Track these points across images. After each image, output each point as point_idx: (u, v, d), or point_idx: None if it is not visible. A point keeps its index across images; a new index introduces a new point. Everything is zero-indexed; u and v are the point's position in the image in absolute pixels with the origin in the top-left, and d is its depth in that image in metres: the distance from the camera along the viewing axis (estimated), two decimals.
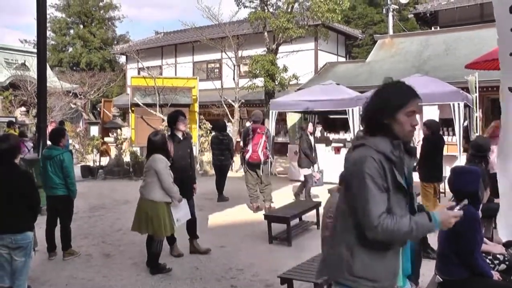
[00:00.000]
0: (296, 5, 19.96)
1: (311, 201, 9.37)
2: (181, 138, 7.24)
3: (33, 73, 26.53)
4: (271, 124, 15.67)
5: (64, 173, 7.04)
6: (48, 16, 9.93)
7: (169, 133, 7.58)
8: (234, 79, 21.29)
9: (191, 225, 7.48)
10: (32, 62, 28.25)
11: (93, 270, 6.78)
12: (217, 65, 30.10)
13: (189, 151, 7.42)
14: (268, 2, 20.29)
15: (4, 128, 17.85)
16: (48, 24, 27.49)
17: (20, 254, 4.72)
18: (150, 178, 6.55)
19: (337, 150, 14.63)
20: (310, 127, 12.12)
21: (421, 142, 8.55)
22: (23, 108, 24.42)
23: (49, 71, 21.18)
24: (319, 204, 9.00)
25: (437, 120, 9.89)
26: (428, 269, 5.52)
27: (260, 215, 9.45)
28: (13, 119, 20.83)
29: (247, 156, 10.55)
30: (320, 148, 15.17)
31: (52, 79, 27.36)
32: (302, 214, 8.70)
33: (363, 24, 39.10)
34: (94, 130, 22.54)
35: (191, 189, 7.39)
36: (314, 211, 8.98)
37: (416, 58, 21.95)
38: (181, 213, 6.83)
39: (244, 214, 10.56)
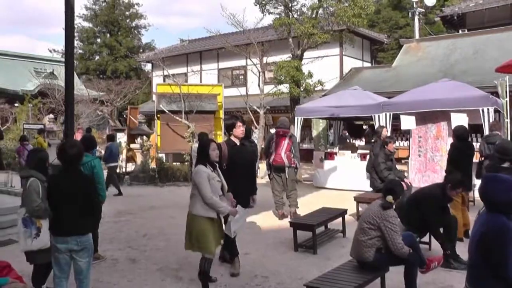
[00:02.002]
0: (320, 10, 19.88)
1: (336, 209, 9.24)
2: (238, 144, 6.85)
3: (61, 82, 26.94)
4: (296, 131, 15.57)
5: (95, 179, 7.08)
6: (75, 26, 10.09)
7: (225, 139, 7.43)
8: (259, 85, 21.27)
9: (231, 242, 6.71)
10: (60, 70, 28.74)
11: (119, 275, 6.80)
12: (242, 72, 30.15)
13: (249, 158, 6.98)
14: (293, 8, 20.24)
15: (34, 135, 18.13)
16: (75, 34, 27.90)
17: (84, 255, 4.90)
18: (193, 190, 5.90)
19: (363, 157, 14.48)
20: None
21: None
22: (51, 115, 24.80)
23: (76, 79, 21.46)
24: (345, 211, 8.89)
25: (466, 126, 9.68)
26: (458, 281, 5.41)
27: (285, 222, 9.38)
28: (42, 126, 21.19)
29: (271, 159, 10.42)
30: (346, 155, 15.06)
31: (79, 87, 27.76)
32: (327, 221, 8.59)
33: (388, 28, 38.59)
34: (120, 137, 22.80)
35: (246, 200, 6.80)
36: (340, 219, 8.86)
37: (443, 62, 21.66)
38: (238, 224, 6.16)
39: (269, 221, 10.48)
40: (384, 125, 13.09)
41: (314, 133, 17.16)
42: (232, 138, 6.87)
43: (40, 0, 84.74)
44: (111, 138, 15.85)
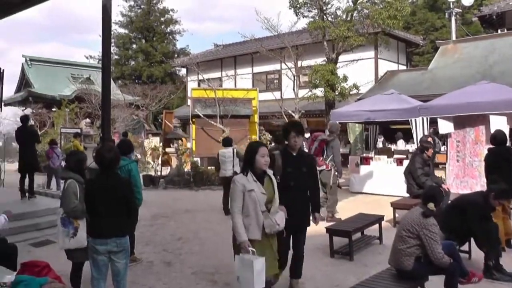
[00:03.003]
0: (355, 13, 19.76)
1: (373, 215, 9.11)
2: (294, 154, 5.89)
3: (97, 87, 27.46)
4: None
5: (132, 182, 7.14)
6: (112, 33, 10.28)
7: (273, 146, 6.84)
8: (293, 89, 21.23)
9: (296, 262, 6.14)
10: (96, 76, 29.32)
11: (154, 277, 6.85)
12: (277, 76, 30.14)
13: (306, 170, 5.90)
14: (327, 11, 20.16)
15: (70, 138, 18.47)
16: (112, 40, 28.26)
17: (123, 257, 4.99)
18: None
19: (399, 162, 14.26)
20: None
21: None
22: (88, 120, 25.26)
23: (112, 84, 21.79)
24: (382, 218, 8.77)
25: (506, 130, 9.47)
26: None
27: (321, 228, 9.26)
28: (79, 130, 21.59)
29: None
30: (382, 160, 14.88)
31: (115, 92, 28.15)
32: (364, 228, 8.47)
33: (423, 30, 37.97)
34: (156, 141, 23.02)
35: (303, 218, 5.92)
36: (377, 225, 8.74)
37: (481, 64, 21.17)
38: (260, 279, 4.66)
39: None
40: (423, 130, 12.93)
41: (351, 137, 17.02)
42: (289, 148, 5.92)
43: (77, 8, 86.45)
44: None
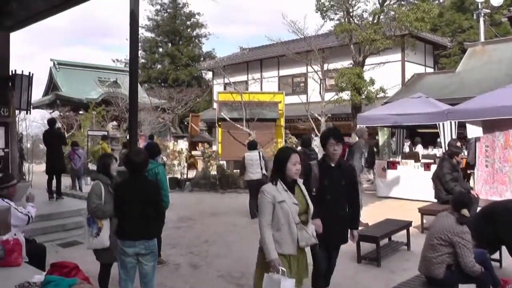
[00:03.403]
0: (382, 15, 19.63)
1: (401, 221, 8.98)
2: (332, 165, 5.35)
3: (124, 90, 27.72)
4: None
5: (159, 185, 7.18)
6: (139, 37, 10.40)
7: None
8: (320, 92, 21.17)
9: (326, 275, 5.67)
10: (123, 79, 29.57)
11: (181, 280, 6.89)
12: (303, 79, 30.06)
13: (345, 183, 5.36)
14: (353, 14, 20.07)
15: (98, 141, 18.69)
16: (139, 44, 28.67)
17: (150, 259, 5.03)
18: None
19: (427, 166, 14.08)
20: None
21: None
22: (114, 123, 25.52)
23: (139, 88, 21.99)
24: (409, 223, 8.66)
25: None
26: None
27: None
28: (106, 133, 21.84)
29: None
30: (409, 164, 14.72)
31: (142, 95, 28.34)
32: (392, 234, 8.37)
33: (450, 31, 37.21)
34: (182, 144, 23.16)
35: (339, 235, 5.44)
36: (404, 230, 8.63)
37: (511, 66, 20.81)
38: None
39: None
40: (451, 134, 12.75)
41: (380, 141, 16.88)
42: (327, 157, 5.38)
43: (103, 12, 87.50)
44: (126, 146, 16.27)
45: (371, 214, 11.30)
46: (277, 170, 4.45)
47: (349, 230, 5.51)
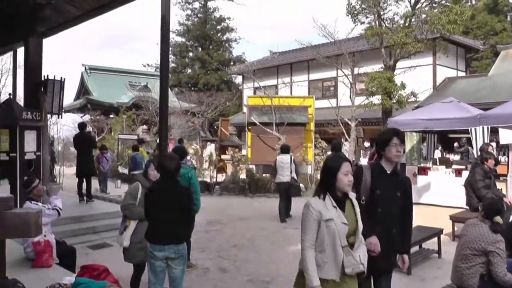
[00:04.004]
0: (413, 18, 19.44)
1: (432, 228, 8.84)
2: (388, 172, 4.49)
3: (154, 94, 27.97)
4: None
5: (192, 189, 7.23)
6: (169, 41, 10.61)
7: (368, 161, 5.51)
8: (350, 97, 21.05)
9: None
10: (153, 84, 29.87)
11: (210, 284, 6.90)
12: (333, 83, 29.95)
13: (400, 195, 4.48)
14: (384, 17, 19.92)
15: (128, 145, 18.94)
16: (169, 49, 28.90)
17: (180, 263, 5.04)
18: None
19: (458, 172, 13.86)
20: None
21: None
22: (144, 126, 25.77)
23: (169, 92, 22.20)
24: (441, 231, 8.52)
25: None
26: None
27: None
28: (136, 137, 22.10)
29: None
30: (440, 170, 14.53)
31: (172, 99, 28.59)
32: (422, 241, 8.23)
33: (482, 34, 36.54)
34: (211, 148, 23.23)
35: (389, 257, 4.47)
36: (435, 238, 8.49)
37: None
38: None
39: None
40: (483, 140, 12.53)
41: (408, 146, 16.70)
42: (383, 161, 4.51)
43: (133, 17, 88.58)
44: (136, 148, 17.03)
45: None
46: (325, 182, 3.79)
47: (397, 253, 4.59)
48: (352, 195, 3.87)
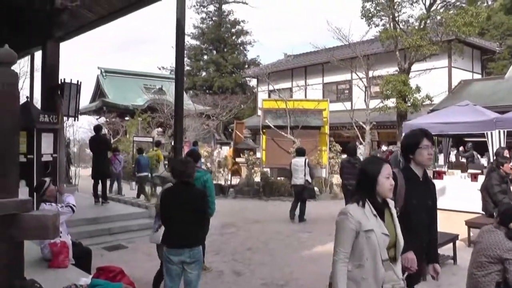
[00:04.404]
0: (428, 20, 19.36)
1: (447, 233, 8.78)
2: (420, 179, 4.11)
3: (169, 97, 28.13)
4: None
5: (207, 192, 7.26)
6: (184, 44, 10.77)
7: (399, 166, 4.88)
8: (365, 100, 20.99)
9: None
10: (168, 86, 29.97)
11: (224, 287, 6.93)
12: (347, 86, 29.89)
13: (431, 204, 4.23)
14: (399, 19, 19.86)
15: (154, 148, 19.11)
16: (184, 52, 28.97)
17: (195, 268, 5.06)
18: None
19: (474, 177, 13.71)
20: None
21: None
22: (159, 129, 25.91)
23: (184, 95, 22.32)
24: (456, 237, 8.46)
25: None
26: None
27: None
28: (151, 139, 22.27)
29: None
30: (456, 174, 14.43)
31: (187, 102, 28.70)
32: (438, 247, 8.17)
33: (499, 34, 35.93)
34: (225, 150, 23.29)
35: (421, 269, 4.16)
36: (450, 244, 8.43)
37: None
38: None
39: None
40: (499, 144, 12.42)
41: None
42: (413, 166, 4.08)
43: (148, 20, 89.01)
44: (140, 151, 17.34)
45: None
46: (364, 186, 3.36)
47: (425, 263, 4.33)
48: (391, 202, 3.49)
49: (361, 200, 3.28)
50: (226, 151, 24.08)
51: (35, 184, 7.45)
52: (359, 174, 3.49)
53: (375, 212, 3.25)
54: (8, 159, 3.43)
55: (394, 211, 3.47)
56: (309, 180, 12.62)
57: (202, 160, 18.18)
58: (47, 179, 6.70)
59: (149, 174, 16.87)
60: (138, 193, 15.97)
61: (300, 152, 12.97)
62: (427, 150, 4.00)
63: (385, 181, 3.31)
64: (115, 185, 16.42)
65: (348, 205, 3.34)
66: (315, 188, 16.74)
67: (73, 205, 6.30)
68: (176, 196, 5.10)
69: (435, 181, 14.07)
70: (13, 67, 3.58)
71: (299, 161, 12.60)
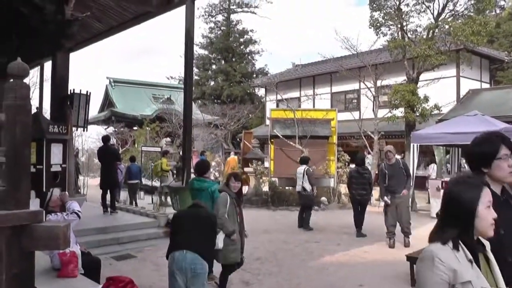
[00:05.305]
0: (436, 30, 19.36)
1: None
2: (501, 198, 2.94)
3: (177, 106, 28.22)
4: (411, 158, 15.15)
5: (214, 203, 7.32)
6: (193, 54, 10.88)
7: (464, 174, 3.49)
8: (373, 109, 20.99)
9: None
10: (177, 96, 30.10)
11: None
12: (355, 96, 29.89)
13: None
14: (407, 29, 19.87)
15: (153, 157, 19.27)
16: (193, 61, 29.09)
17: (199, 283, 5.08)
18: None
19: None
20: None
21: None
22: (168, 139, 26.01)
23: (192, 104, 22.44)
24: None
25: None
26: None
27: (402, 254, 9.06)
28: (159, 149, 22.38)
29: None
30: None
31: (195, 112, 28.82)
32: None
33: (508, 43, 35.80)
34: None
35: None
36: None
37: None
38: None
39: (383, 251, 10.21)
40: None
41: (436, 160, 16.49)
42: (489, 180, 2.85)
43: (157, 30, 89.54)
44: (132, 159, 18.07)
45: (425, 235, 11.08)
46: (456, 220, 2.40)
47: None
48: (486, 243, 2.49)
49: (452, 240, 2.33)
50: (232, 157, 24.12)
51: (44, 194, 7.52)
52: (447, 201, 2.49)
53: (470, 257, 2.29)
54: (19, 171, 3.50)
55: (491, 255, 2.46)
56: (306, 187, 13.02)
57: (211, 169, 18.28)
58: (49, 191, 6.76)
59: (140, 182, 17.70)
60: (130, 200, 16.61)
61: (302, 161, 13.65)
62: (507, 162, 2.92)
63: (487, 213, 2.36)
64: (123, 194, 16.67)
65: (431, 246, 2.41)
66: (323, 198, 16.79)
67: (78, 211, 6.33)
68: (188, 211, 5.19)
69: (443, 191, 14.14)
70: (24, 80, 3.65)
71: (299, 170, 13.27)
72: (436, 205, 14.68)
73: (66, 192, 6.86)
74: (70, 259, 5.96)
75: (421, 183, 19.39)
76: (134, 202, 16.34)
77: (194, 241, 5.02)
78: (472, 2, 18.72)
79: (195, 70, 49.26)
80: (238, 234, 6.65)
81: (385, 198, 10.61)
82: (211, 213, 5.61)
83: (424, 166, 22.07)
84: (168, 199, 15.05)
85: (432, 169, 18.91)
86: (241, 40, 51.20)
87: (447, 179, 15.34)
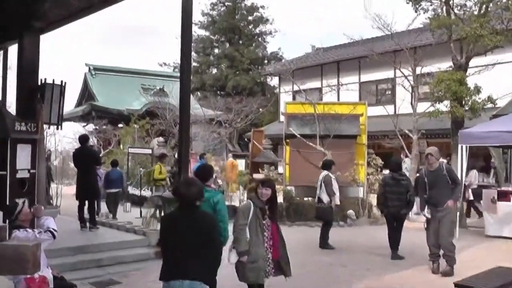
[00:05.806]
0: (490, 4, 19.20)
1: None
2: None
3: (172, 99, 28.17)
4: (459, 161, 15.03)
5: (218, 216, 7.26)
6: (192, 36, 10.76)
7: None
8: (411, 103, 20.89)
9: None
10: (171, 87, 29.98)
11: None
12: (390, 86, 29.83)
13: None
14: (454, 4, 19.71)
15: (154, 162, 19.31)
16: (191, 44, 28.97)
17: None
18: None
19: None
20: None
21: None
22: (160, 139, 25.96)
23: (190, 97, 22.39)
24: None
25: None
26: None
27: (447, 281, 8.96)
28: (150, 151, 22.38)
29: None
30: None
31: (194, 106, 28.79)
32: (505, 287, 8.06)
33: None
34: (241, 164, 23.25)
35: None
36: None
37: None
38: None
39: (425, 278, 10.07)
40: None
41: (496, 164, 16.37)
42: None
43: (147, 7, 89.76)
44: (114, 163, 18.00)
45: (476, 258, 11.02)
46: None
47: None
48: None
49: None
50: (242, 165, 24.04)
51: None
52: None
53: None
54: None
55: None
56: (323, 198, 12.96)
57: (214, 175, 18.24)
58: (21, 201, 6.73)
59: (121, 190, 17.60)
60: (112, 212, 16.65)
61: (324, 165, 13.54)
62: None
63: None
64: (104, 205, 16.67)
65: None
66: (350, 211, 16.70)
67: (54, 229, 6.29)
68: (178, 220, 5.13)
69: (501, 203, 14.08)
70: None
71: (319, 177, 13.15)
72: (491, 221, 14.54)
73: (42, 206, 6.85)
74: (40, 285, 5.95)
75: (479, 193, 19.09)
76: (113, 216, 16.33)
77: (191, 265, 4.98)
78: None
79: (193, 55, 49.24)
80: (258, 251, 6.85)
81: (425, 211, 10.48)
82: (208, 216, 5.55)
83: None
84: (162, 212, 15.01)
85: (474, 177, 18.71)
86: (250, 18, 51.12)
87: (504, 188, 15.22)
